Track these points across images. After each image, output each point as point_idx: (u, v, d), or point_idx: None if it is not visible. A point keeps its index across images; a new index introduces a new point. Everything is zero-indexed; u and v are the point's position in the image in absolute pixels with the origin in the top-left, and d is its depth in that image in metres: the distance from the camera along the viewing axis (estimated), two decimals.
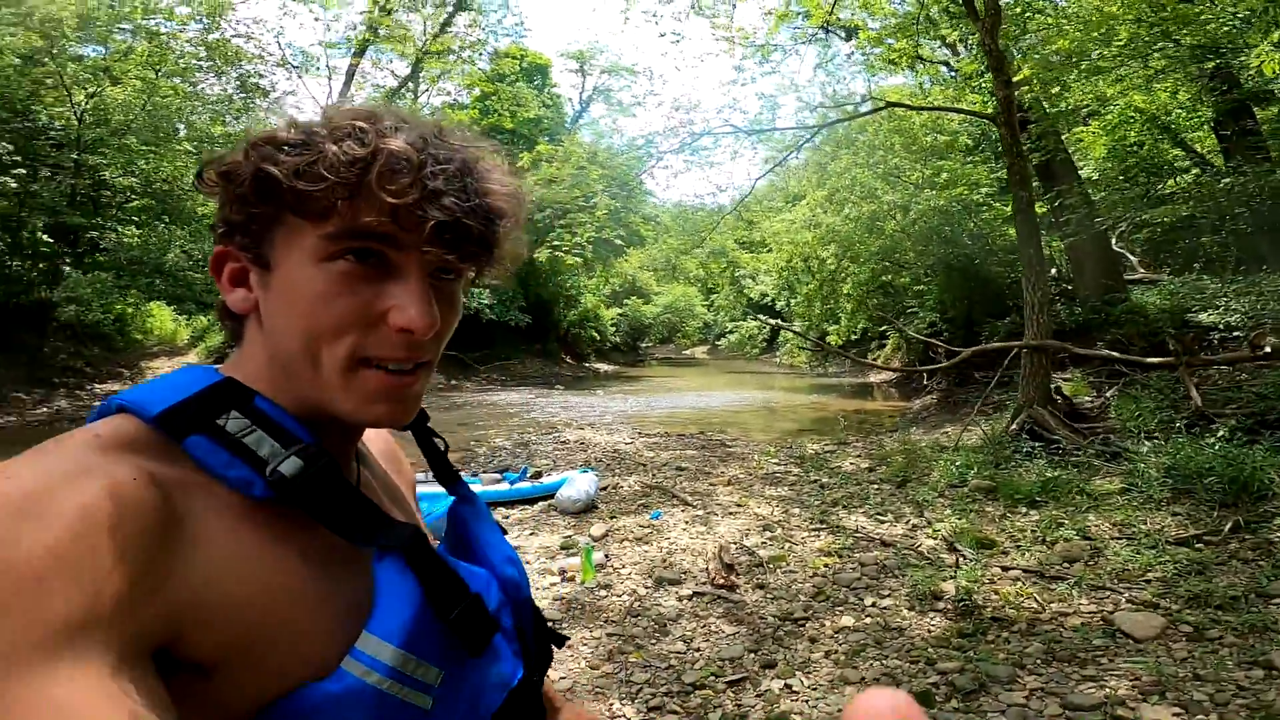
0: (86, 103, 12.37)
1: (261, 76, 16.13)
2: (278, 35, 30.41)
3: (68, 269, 14.04)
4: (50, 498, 0.38)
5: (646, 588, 4.01)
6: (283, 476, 0.47)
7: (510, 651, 0.60)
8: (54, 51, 11.71)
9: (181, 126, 14.66)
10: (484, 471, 6.78)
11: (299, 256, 0.51)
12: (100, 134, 12.51)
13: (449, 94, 24.75)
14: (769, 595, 3.86)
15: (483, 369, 20.58)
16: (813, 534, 5.09)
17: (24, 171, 11.40)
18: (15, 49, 11.14)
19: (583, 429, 11.13)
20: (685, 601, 3.80)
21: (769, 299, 25.62)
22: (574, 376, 23.59)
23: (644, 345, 40.95)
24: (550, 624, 0.71)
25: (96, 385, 14.75)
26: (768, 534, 5.08)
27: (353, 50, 19.58)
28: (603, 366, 28.01)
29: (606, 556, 4.55)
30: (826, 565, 4.32)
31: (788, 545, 4.80)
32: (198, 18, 14.79)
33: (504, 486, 6.07)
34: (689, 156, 11.65)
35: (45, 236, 13.01)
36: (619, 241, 23.69)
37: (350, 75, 20.01)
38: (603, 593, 3.96)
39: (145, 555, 0.40)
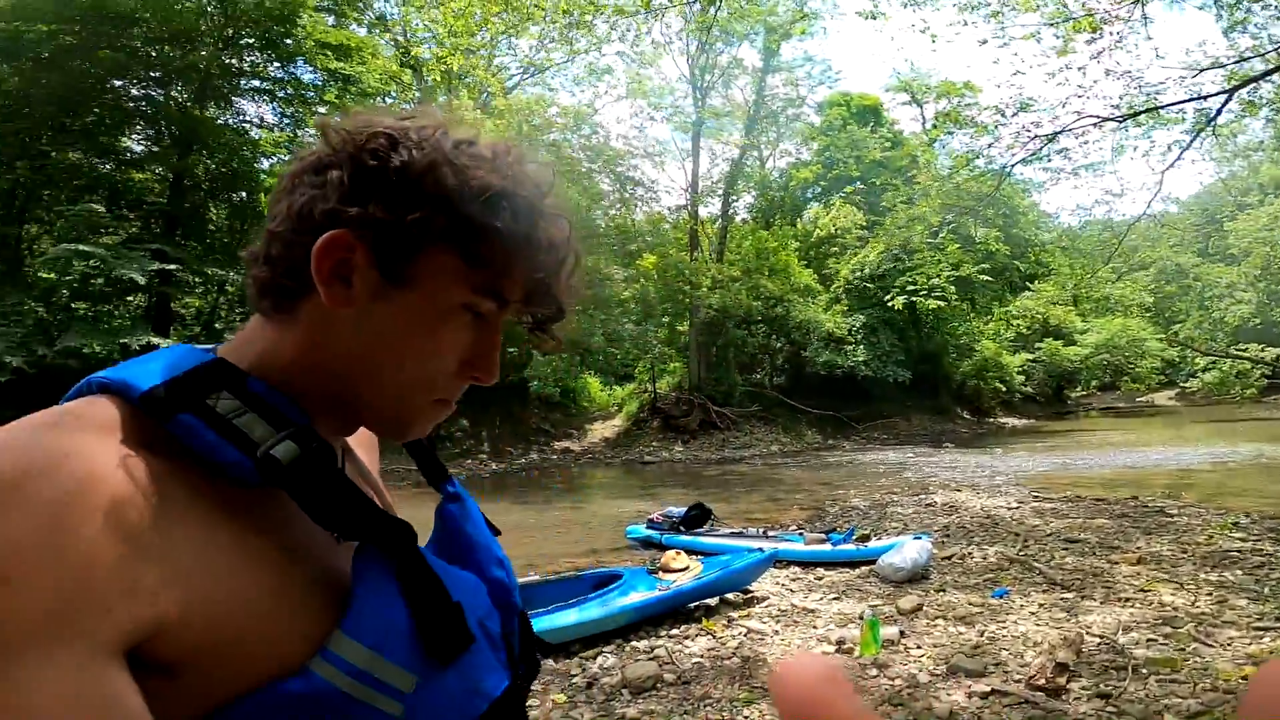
0: None
1: (634, 169, 18.99)
2: (641, 130, 34.92)
3: (534, 353, 18.89)
4: (25, 485, 0.36)
5: (932, 675, 3.44)
6: (275, 461, 0.44)
7: (496, 660, 0.56)
8: None
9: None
10: (809, 531, 6.66)
11: (440, 292, 0.51)
12: None
13: (790, 153, 25.64)
14: (1113, 709, 2.90)
15: (860, 427, 19.99)
16: (1252, 635, 3.65)
17: None
18: None
19: (959, 491, 9.94)
20: (975, 699, 3.15)
21: (1253, 321, 18.76)
22: (971, 433, 21.08)
23: (1074, 394, 34.01)
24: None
25: (555, 442, 19.31)
26: (1165, 630, 3.83)
27: (700, 132, 21.66)
28: (1011, 421, 24.37)
29: (902, 633, 4.05)
30: (1244, 678, 3.05)
31: (1192, 647, 3.53)
32: (575, 127, 18.25)
33: (825, 547, 5.90)
34: (1048, 164, 9.72)
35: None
36: (1016, 275, 20.64)
37: (696, 154, 22.17)
38: (874, 671, 3.56)
39: (122, 550, 0.37)
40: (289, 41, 15.44)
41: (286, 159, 19.39)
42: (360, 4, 18.25)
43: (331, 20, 16.55)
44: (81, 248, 13.02)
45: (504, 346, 0.58)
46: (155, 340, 15.44)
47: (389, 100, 17.04)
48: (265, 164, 17.52)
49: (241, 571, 0.43)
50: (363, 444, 0.69)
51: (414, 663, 0.47)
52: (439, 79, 15.23)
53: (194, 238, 17.89)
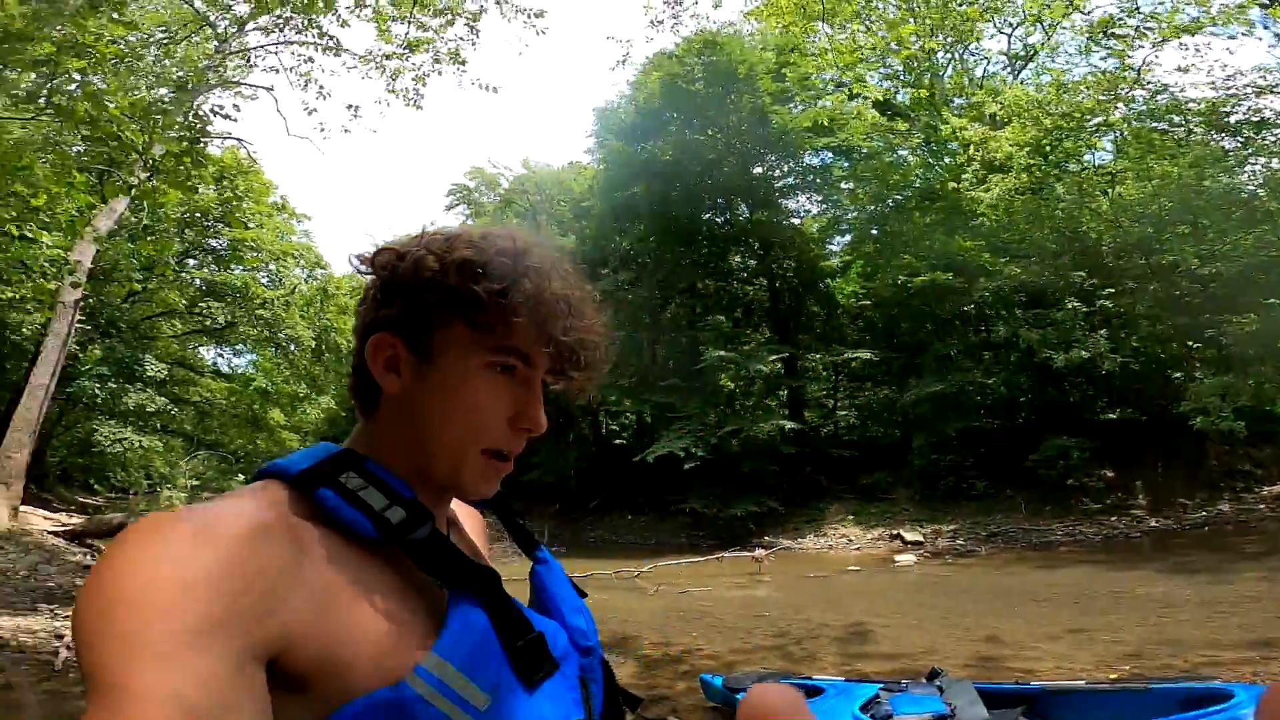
0: None
1: None
2: None
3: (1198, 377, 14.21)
4: (214, 530, 0.50)
5: None
6: (389, 522, 0.58)
7: (569, 698, 0.64)
8: None
9: None
10: None
11: (462, 359, 0.63)
12: None
13: None
14: None
15: None
16: None
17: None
18: None
19: None
20: None
21: None
22: None
23: None
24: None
25: (1262, 487, 13.65)
26: None
27: None
28: None
29: None
30: None
31: None
32: None
33: None
34: None
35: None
36: None
37: None
38: None
39: (272, 579, 0.50)
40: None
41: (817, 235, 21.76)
42: None
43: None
44: (720, 353, 17.25)
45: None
46: (787, 424, 18.85)
47: None
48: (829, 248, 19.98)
49: (359, 605, 0.55)
50: (475, 528, 0.83)
51: (490, 684, 0.56)
52: None
53: (801, 330, 21.29)
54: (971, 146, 15.63)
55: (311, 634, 0.51)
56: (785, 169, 21.21)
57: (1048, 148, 14.39)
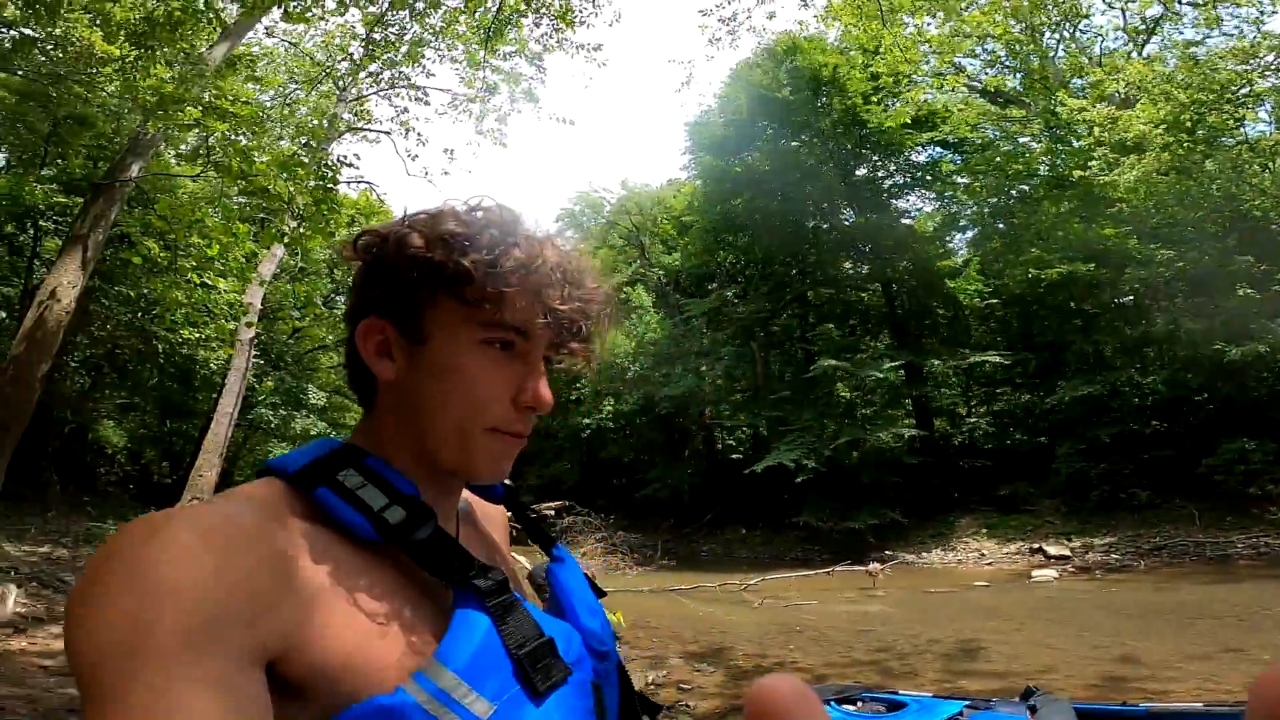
0: None
1: None
2: None
3: None
4: (210, 532, 0.48)
5: None
6: (388, 522, 0.55)
7: (582, 706, 0.60)
8: None
9: None
10: None
11: (454, 337, 0.60)
12: None
13: None
14: None
15: None
16: None
17: None
18: None
19: None
20: None
21: None
22: None
23: None
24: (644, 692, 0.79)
25: None
26: None
27: None
28: None
29: None
30: None
31: None
32: None
33: None
34: None
35: None
36: None
37: None
38: None
39: (269, 581, 0.48)
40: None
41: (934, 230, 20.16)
42: None
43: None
44: (831, 362, 16.67)
45: None
46: (910, 433, 17.82)
47: None
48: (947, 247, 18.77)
49: (358, 608, 0.53)
50: (492, 523, 0.80)
51: (494, 692, 0.52)
52: None
53: (924, 335, 20.11)
54: (1097, 129, 14.17)
55: (309, 637, 0.50)
56: (890, 168, 20.31)
57: (1189, 123, 12.75)
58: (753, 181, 19.95)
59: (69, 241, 9.53)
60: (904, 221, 20.58)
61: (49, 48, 6.07)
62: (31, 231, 12.43)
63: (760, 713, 0.25)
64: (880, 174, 20.44)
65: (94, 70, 5.94)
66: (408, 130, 11.42)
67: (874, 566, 11.77)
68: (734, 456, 23.51)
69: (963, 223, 19.96)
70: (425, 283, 0.59)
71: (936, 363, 18.53)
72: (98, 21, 5.39)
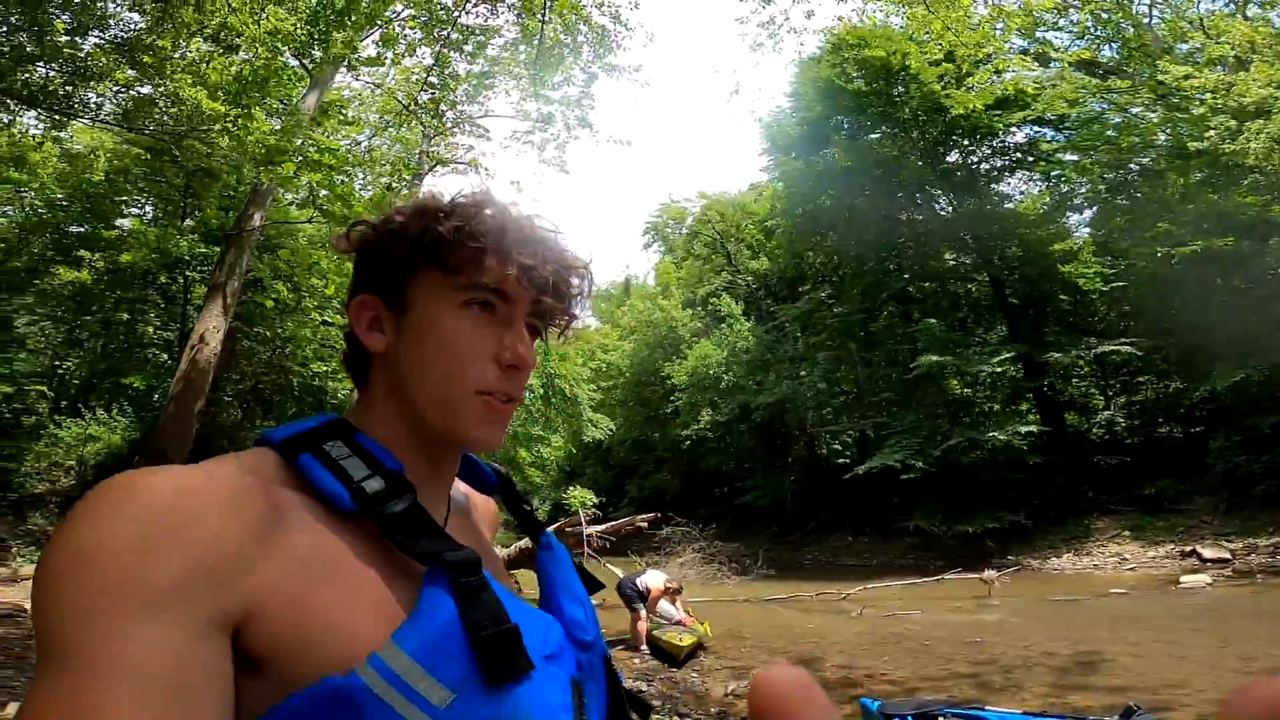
0: None
1: None
2: None
3: None
4: (184, 490, 0.47)
5: None
6: (364, 492, 0.55)
7: (557, 701, 0.57)
8: None
9: None
10: None
11: (435, 302, 0.62)
12: None
13: None
14: None
15: None
16: None
17: None
18: None
19: None
20: None
21: None
22: None
23: None
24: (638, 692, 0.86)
25: None
26: None
27: None
28: None
29: None
30: None
31: None
32: None
33: None
34: None
35: None
36: None
37: None
38: None
39: (241, 543, 0.47)
40: None
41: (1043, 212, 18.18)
42: None
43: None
44: (933, 359, 15.66)
45: None
46: (1030, 429, 16.36)
47: None
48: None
49: (329, 580, 0.51)
50: (487, 519, 0.80)
51: (454, 680, 0.49)
52: None
53: (1042, 324, 18.48)
54: (1210, 96, 12.55)
55: (276, 604, 0.48)
56: (983, 152, 18.93)
57: None
58: (835, 178, 19.25)
59: (211, 289, 10.80)
60: (1006, 206, 19.07)
61: (168, 107, 6.93)
62: (181, 280, 14.18)
63: (760, 703, 0.25)
64: (973, 159, 19.08)
65: (205, 127, 6.70)
66: (474, 166, 12.02)
67: (989, 574, 10.86)
68: (840, 461, 22.58)
69: (1077, 201, 18.20)
70: (406, 254, 0.62)
71: (1057, 355, 16.95)
72: (199, 81, 6.07)
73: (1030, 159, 18.63)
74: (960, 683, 5.43)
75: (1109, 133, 15.81)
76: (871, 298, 20.35)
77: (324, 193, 7.85)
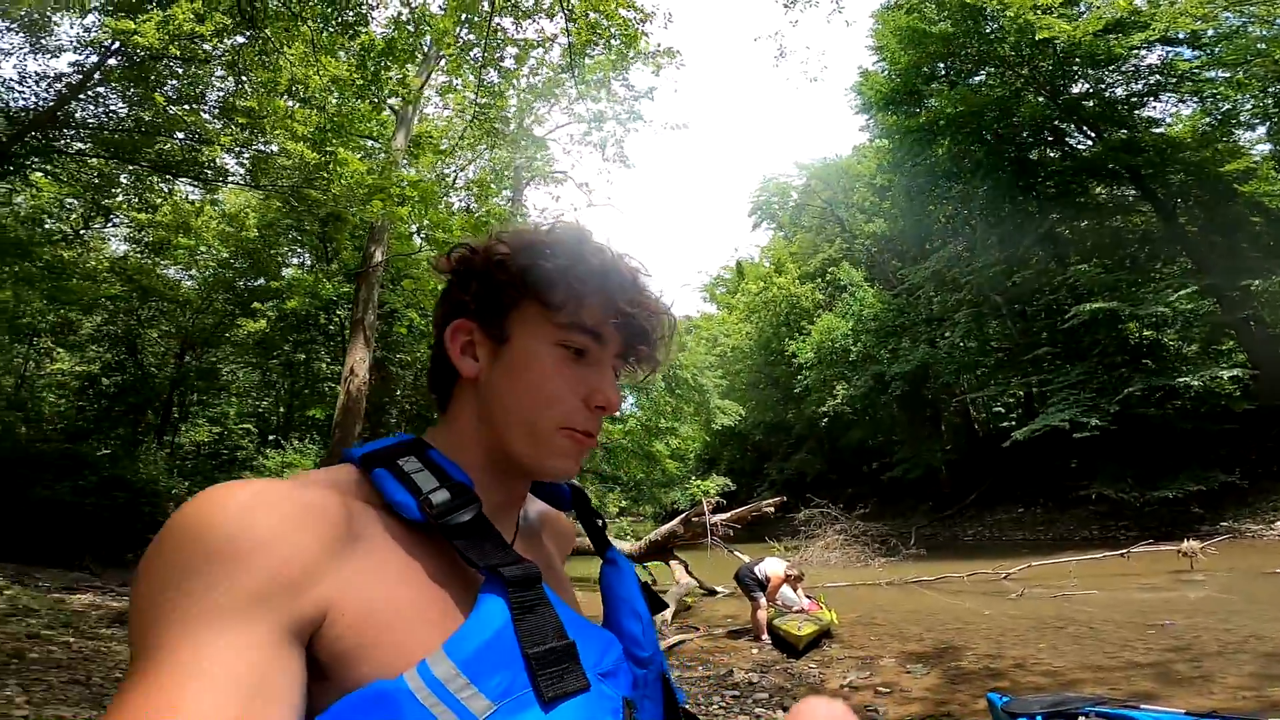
0: None
1: None
2: None
3: None
4: (271, 501, 0.49)
5: None
6: (431, 503, 0.55)
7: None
8: None
9: None
10: None
11: (533, 336, 0.63)
12: None
13: None
14: None
15: None
16: None
17: None
18: None
19: None
20: None
21: None
22: None
23: None
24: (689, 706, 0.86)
25: None
26: None
27: None
28: None
29: None
30: None
31: None
32: None
33: None
34: None
35: None
36: None
37: None
38: None
39: (317, 555, 0.48)
40: None
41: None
42: None
43: None
44: (1096, 305, 13.57)
45: None
46: (1234, 372, 13.67)
47: None
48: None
49: (396, 589, 0.52)
50: (557, 537, 0.80)
51: (497, 691, 0.48)
52: None
53: (1231, 254, 15.46)
54: None
55: (344, 612, 0.49)
56: (1111, 80, 16.13)
57: None
58: (943, 127, 17.31)
59: (352, 325, 11.91)
60: (1156, 132, 16.11)
61: (283, 162, 7.71)
62: (337, 318, 15.83)
63: None
64: (1104, 86, 16.31)
65: (314, 176, 7.37)
66: (542, 176, 12.19)
67: (1190, 544, 9.16)
68: (1004, 425, 20.36)
69: (1244, 118, 14.97)
70: (510, 286, 0.63)
71: (1257, 282, 14.03)
72: (292, 135, 6.70)
73: (1172, 80, 15.61)
74: (1134, 674, 4.56)
75: (1259, 45, 12.91)
76: (1012, 244, 18.12)
77: (425, 222, 8.32)
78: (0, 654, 4.25)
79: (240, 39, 5.92)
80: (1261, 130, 15.23)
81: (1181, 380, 13.67)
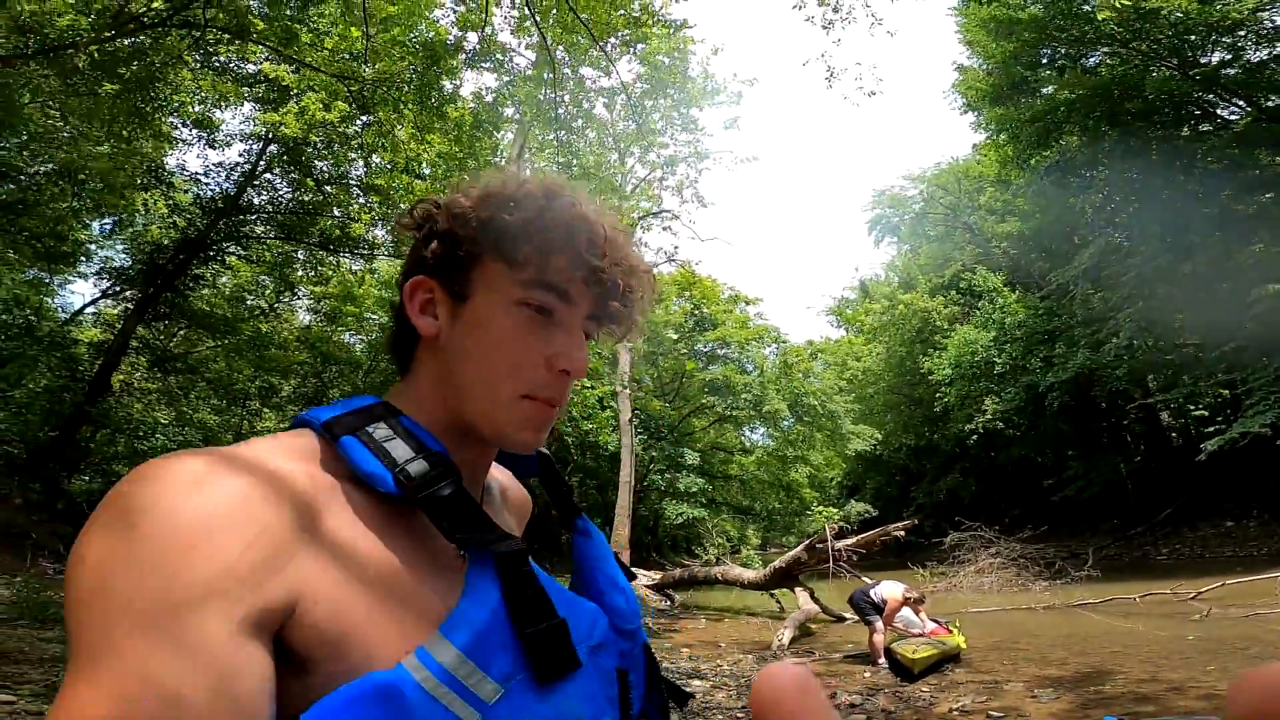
0: None
1: None
2: None
3: None
4: (224, 475, 0.43)
5: None
6: (408, 474, 0.50)
7: (602, 696, 0.53)
8: None
9: None
10: None
11: (494, 294, 0.58)
12: None
13: None
14: None
15: None
16: None
17: None
18: None
19: None
20: None
21: None
22: None
23: None
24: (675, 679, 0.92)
25: None
26: None
27: None
28: None
29: None
30: None
31: None
32: None
33: None
34: None
35: None
36: None
37: None
38: None
39: (279, 535, 0.43)
40: None
41: None
42: None
43: None
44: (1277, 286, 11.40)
45: None
46: None
47: None
48: None
49: (373, 571, 0.47)
50: (517, 503, 0.75)
51: (501, 674, 0.46)
52: None
53: None
54: None
55: (316, 598, 0.44)
56: (1247, 43, 13.78)
57: None
58: (1069, 113, 15.59)
59: None
60: None
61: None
62: None
63: (757, 699, 0.25)
64: (1241, 52, 13.96)
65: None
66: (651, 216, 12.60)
67: None
68: (1209, 430, 17.39)
69: None
70: (471, 240, 0.59)
71: None
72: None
73: None
74: None
75: None
76: (1179, 230, 15.77)
77: None
78: None
79: (358, 125, 7.06)
80: None
81: None
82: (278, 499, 0.44)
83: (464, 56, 6.74)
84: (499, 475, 0.72)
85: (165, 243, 11.35)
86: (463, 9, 7.17)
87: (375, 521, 0.50)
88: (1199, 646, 5.63)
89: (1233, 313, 15.01)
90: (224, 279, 12.38)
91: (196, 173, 11.38)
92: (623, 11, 7.62)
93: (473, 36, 7.13)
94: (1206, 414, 18.33)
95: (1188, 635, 6.25)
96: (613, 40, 8.05)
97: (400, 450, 0.52)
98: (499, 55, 6.96)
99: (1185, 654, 5.40)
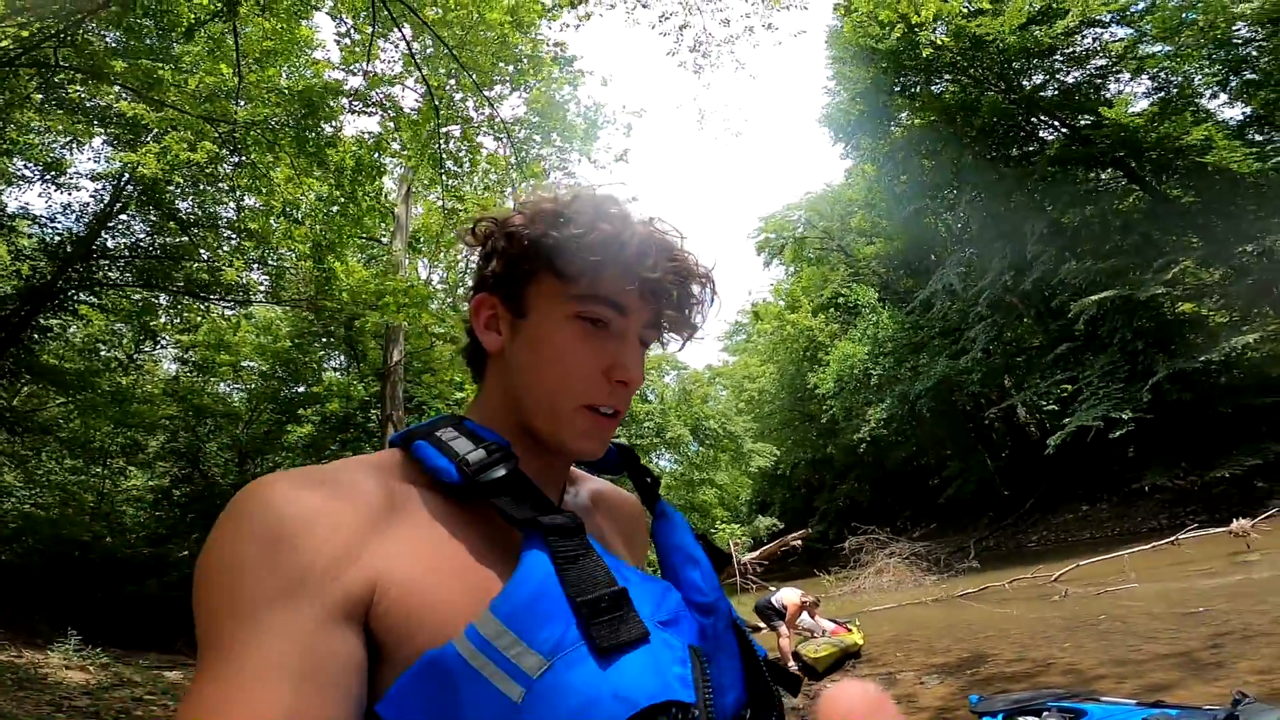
0: None
1: None
2: None
3: None
4: (308, 484, 0.49)
5: None
6: (468, 462, 0.54)
7: (671, 673, 0.49)
8: None
9: None
10: None
11: (550, 309, 0.60)
12: None
13: None
14: None
15: None
16: None
17: None
18: None
19: None
20: None
21: None
22: None
23: None
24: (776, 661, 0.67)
25: None
26: None
27: None
28: None
29: None
30: None
31: None
32: None
33: None
34: None
35: None
36: None
37: None
38: None
39: (357, 532, 0.48)
40: None
41: None
42: None
43: None
44: (1091, 299, 13.04)
45: None
46: (1250, 336, 12.90)
47: None
48: None
49: (435, 556, 0.50)
50: (611, 515, 0.74)
51: (548, 646, 0.46)
52: None
53: (1252, 211, 14.81)
54: None
55: (393, 583, 0.47)
56: (1060, 69, 16.19)
57: None
58: (915, 139, 17.43)
59: (382, 422, 12.35)
60: (1108, 111, 15.95)
61: (293, 278, 8.19)
62: (375, 417, 16.43)
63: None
64: (1056, 76, 16.32)
65: (325, 286, 7.95)
66: None
67: (1239, 524, 8.55)
68: (1060, 425, 19.43)
69: (1200, 88, 14.72)
70: (525, 258, 0.60)
71: (1248, 248, 13.39)
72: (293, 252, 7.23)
73: (1115, 61, 15.53)
74: (1152, 665, 4.30)
75: (1185, 14, 12.93)
76: (1018, 244, 17.77)
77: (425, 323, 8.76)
78: (110, 714, 4.90)
79: (229, 166, 6.60)
80: (1223, 98, 14.90)
81: (1205, 357, 12.97)
82: (352, 504, 0.49)
83: (345, 101, 6.52)
84: (597, 486, 0.74)
85: (8, 291, 10.08)
86: (345, 43, 6.97)
87: (444, 514, 0.53)
88: (1060, 625, 6.23)
89: (1064, 321, 17.05)
90: (73, 329, 11.13)
91: (40, 215, 10.23)
92: (512, 65, 7.72)
93: (355, 80, 6.96)
94: (1056, 408, 20.57)
95: (1050, 615, 6.92)
96: (500, 84, 8.11)
97: (463, 445, 0.56)
98: (384, 94, 6.81)
99: (1048, 633, 5.96)
